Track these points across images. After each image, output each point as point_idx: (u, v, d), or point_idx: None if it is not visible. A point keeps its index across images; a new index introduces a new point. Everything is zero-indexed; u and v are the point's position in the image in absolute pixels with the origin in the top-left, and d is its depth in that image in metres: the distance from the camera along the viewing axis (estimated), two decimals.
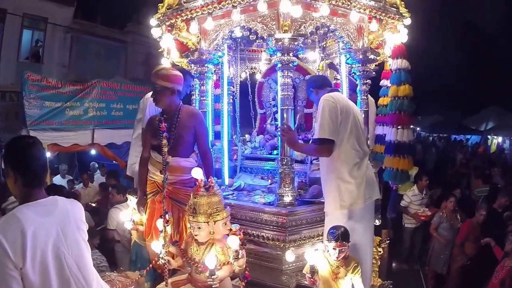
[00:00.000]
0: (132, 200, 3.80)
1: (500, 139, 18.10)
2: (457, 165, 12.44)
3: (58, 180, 8.35)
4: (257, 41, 4.05)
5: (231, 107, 4.91)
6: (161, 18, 3.91)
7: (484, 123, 18.00)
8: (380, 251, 4.28)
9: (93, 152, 9.57)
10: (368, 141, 3.95)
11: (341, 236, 2.72)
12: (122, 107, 8.87)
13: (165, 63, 4.45)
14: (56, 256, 1.82)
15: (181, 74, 3.34)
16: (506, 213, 6.17)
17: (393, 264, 6.24)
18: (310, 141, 3.40)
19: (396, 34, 3.85)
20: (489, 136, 18.05)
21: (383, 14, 3.70)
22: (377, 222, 4.18)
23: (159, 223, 2.81)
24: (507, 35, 21.12)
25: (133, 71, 16.16)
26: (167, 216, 2.82)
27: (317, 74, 4.67)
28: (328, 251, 2.81)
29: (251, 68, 5.22)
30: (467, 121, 19.46)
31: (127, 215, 3.67)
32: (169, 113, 3.26)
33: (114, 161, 8.96)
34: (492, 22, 21.36)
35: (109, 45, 16.32)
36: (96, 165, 9.59)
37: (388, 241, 4.72)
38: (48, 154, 7.74)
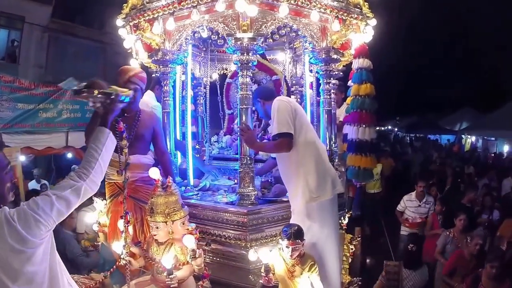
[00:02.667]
0: (98, 202, 3.78)
1: (473, 138, 18.71)
2: (432, 163, 12.69)
3: (33, 185, 8.10)
4: (219, 41, 4.04)
5: (202, 108, 4.92)
6: (125, 18, 3.90)
7: (458, 123, 18.88)
8: (352, 248, 4.32)
9: (69, 155, 9.35)
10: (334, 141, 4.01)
11: (293, 234, 2.72)
12: None
13: (134, 64, 4.45)
14: None
15: None
16: (476, 208, 6.33)
17: (367, 260, 6.22)
18: (270, 140, 3.44)
19: (360, 34, 3.88)
20: (463, 136, 18.68)
21: (345, 14, 3.71)
22: (344, 221, 4.23)
23: (120, 223, 2.80)
24: (485, 42, 21.83)
25: (112, 73, 15.74)
26: (128, 216, 2.80)
27: (266, 85, 4.70)
28: (282, 249, 2.82)
29: (222, 69, 5.21)
30: (442, 121, 20.22)
31: (93, 218, 3.65)
32: (131, 112, 3.36)
33: None
34: (470, 29, 22.01)
35: (88, 46, 15.90)
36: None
37: (359, 238, 4.78)
38: (22, 158, 7.57)
